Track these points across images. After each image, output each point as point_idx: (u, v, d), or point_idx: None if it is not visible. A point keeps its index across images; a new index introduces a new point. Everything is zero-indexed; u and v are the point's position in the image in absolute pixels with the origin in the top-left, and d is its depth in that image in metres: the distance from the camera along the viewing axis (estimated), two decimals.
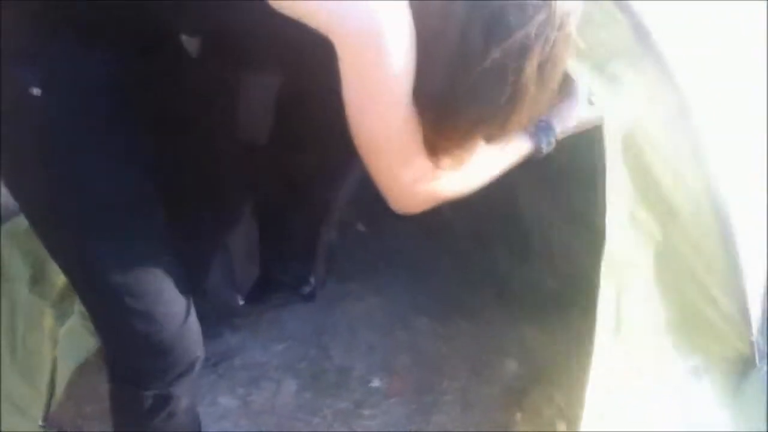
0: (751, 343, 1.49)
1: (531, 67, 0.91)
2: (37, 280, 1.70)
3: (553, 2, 0.91)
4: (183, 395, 1.25)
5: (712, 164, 1.32)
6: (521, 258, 2.14)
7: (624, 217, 1.30)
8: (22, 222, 1.68)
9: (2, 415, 1.57)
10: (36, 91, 1.02)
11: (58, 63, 1.05)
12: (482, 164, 1.10)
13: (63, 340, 1.64)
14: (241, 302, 1.85)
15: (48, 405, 1.60)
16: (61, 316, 1.65)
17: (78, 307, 1.69)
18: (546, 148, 1.13)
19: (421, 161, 1.02)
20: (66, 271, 1.24)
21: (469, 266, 2.16)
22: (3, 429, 1.56)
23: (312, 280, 2.03)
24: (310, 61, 0.97)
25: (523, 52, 0.90)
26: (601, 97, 1.22)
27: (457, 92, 0.94)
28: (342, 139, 1.03)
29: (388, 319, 2.05)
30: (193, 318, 1.20)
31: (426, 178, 1.04)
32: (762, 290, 1.62)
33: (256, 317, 2.02)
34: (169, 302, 1.16)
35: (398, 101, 0.95)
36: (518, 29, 0.89)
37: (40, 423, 1.57)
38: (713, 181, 1.33)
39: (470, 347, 1.95)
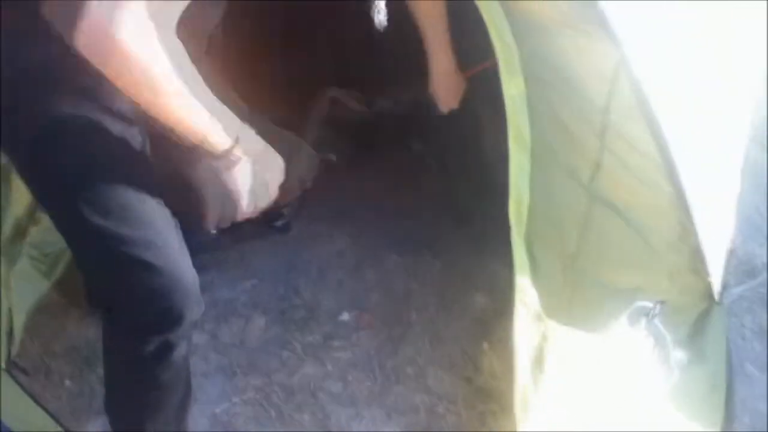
0: (708, 284, 1.48)
1: None
2: None
3: None
4: (182, 343, 1.23)
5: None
6: (484, 195, 2.14)
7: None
8: None
9: None
10: None
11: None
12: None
13: (15, 284, 1.65)
14: (213, 232, 1.83)
15: (9, 349, 1.59)
16: (10, 261, 1.66)
17: (26, 249, 1.69)
18: None
19: None
20: (60, 225, 1.20)
21: (436, 205, 2.17)
22: None
23: (285, 212, 2.02)
24: None
25: None
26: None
27: None
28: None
29: (356, 257, 2.06)
30: (190, 265, 1.19)
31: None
32: (728, 228, 1.63)
33: (223, 256, 2.01)
34: (165, 246, 1.15)
35: None
36: None
37: (3, 366, 1.56)
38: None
39: (439, 283, 1.96)
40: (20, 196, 1.66)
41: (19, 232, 1.70)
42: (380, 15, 2.40)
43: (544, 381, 1.33)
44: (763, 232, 1.97)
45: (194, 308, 1.19)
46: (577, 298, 1.41)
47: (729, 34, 1.54)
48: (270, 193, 1.25)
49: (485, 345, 1.75)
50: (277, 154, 1.24)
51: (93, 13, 0.93)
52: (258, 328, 1.82)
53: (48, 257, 1.82)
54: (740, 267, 1.85)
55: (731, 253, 1.68)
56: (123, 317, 1.20)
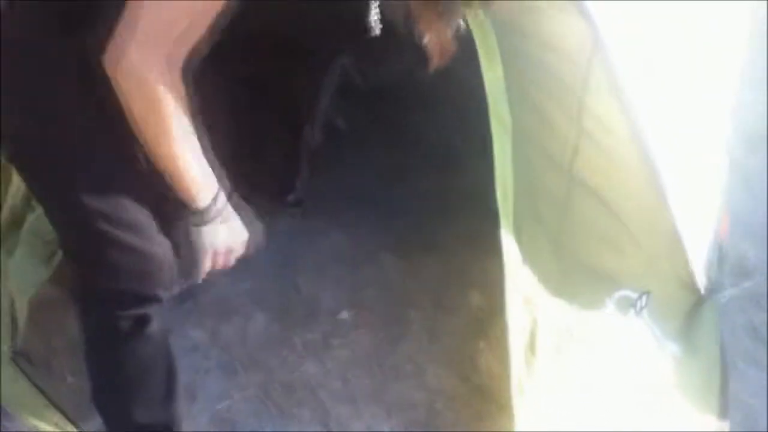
0: (690, 274, 1.51)
1: None
2: None
3: None
4: (157, 318, 1.26)
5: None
6: (475, 190, 2.17)
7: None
8: None
9: None
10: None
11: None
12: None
13: (14, 272, 1.65)
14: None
15: (14, 337, 1.60)
16: (8, 250, 1.67)
17: (24, 236, 1.69)
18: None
19: None
20: (39, 196, 1.23)
21: (430, 202, 2.19)
22: None
23: (297, 184, 2.04)
24: None
25: None
26: None
27: None
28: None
29: (354, 254, 2.08)
30: (168, 247, 1.21)
31: None
32: (713, 221, 1.67)
33: None
34: (145, 227, 1.17)
35: None
36: None
37: (10, 354, 1.57)
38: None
39: (435, 281, 1.98)
40: (16, 183, 1.67)
41: (16, 220, 1.70)
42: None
43: (537, 364, 1.36)
44: (753, 233, 2.01)
45: (170, 287, 1.22)
46: (565, 281, 1.44)
47: (708, 19, 1.56)
48: (227, 262, 1.22)
49: (482, 344, 1.78)
50: (242, 226, 1.21)
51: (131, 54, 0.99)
52: (258, 325, 1.84)
53: (47, 244, 1.82)
54: (732, 267, 1.89)
55: (722, 253, 1.72)
56: (100, 294, 1.22)
